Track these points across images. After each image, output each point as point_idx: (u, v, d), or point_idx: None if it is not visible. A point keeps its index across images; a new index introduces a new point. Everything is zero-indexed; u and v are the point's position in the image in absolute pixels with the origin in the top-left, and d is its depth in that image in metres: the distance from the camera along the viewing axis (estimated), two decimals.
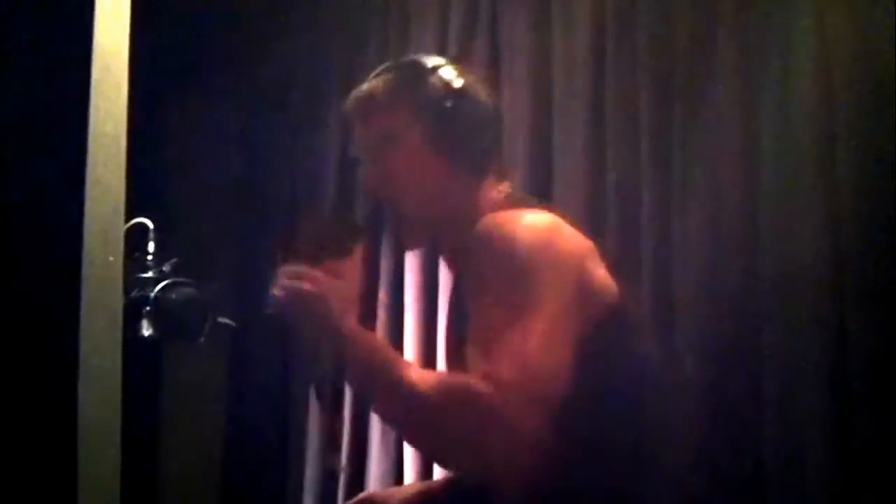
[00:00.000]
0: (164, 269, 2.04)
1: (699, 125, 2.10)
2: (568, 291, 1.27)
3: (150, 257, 2.04)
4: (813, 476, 1.83)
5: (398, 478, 2.57)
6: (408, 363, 1.33)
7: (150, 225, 2.04)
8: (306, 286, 1.28)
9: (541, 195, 2.18)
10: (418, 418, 1.25)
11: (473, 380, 1.18)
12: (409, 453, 2.50)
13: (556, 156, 2.33)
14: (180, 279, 2.00)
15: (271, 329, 3.00)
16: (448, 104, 1.40)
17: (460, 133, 1.40)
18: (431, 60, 1.46)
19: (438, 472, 2.37)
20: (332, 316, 1.27)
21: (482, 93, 1.46)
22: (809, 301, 1.88)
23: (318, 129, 2.99)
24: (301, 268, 1.31)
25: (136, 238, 2.02)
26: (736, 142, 2.05)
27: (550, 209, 1.38)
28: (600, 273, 1.34)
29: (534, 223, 1.31)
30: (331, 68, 2.96)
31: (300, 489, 2.83)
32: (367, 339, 1.32)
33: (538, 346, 1.20)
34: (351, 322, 1.29)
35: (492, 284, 1.27)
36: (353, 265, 1.34)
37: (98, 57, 0.91)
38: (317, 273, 1.30)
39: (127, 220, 1.98)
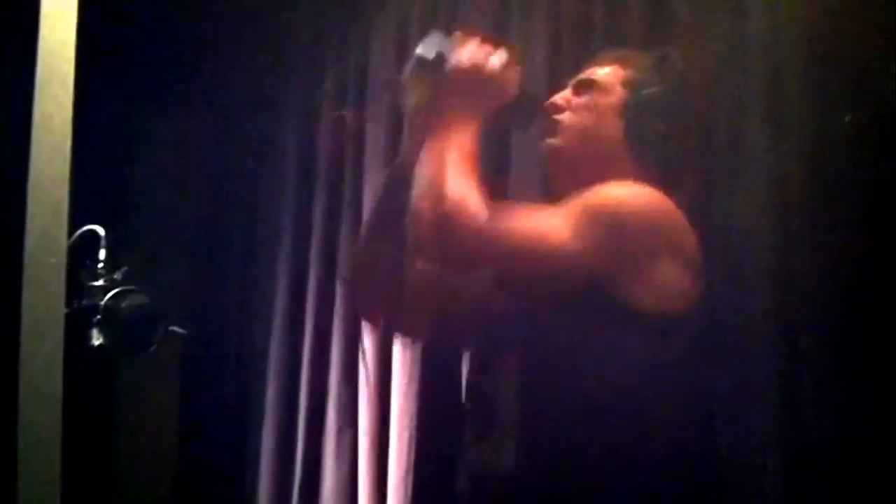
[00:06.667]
0: (114, 277, 2.00)
1: None
2: (606, 249, 1.31)
3: (100, 265, 2.00)
4: (770, 481, 1.84)
5: (353, 487, 2.56)
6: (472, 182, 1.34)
7: (102, 232, 2.00)
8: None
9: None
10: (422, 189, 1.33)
11: (483, 205, 1.29)
12: (363, 463, 2.49)
13: (514, 160, 2.32)
14: (131, 287, 1.97)
15: (227, 338, 2.98)
16: None
17: None
18: None
19: (392, 482, 2.37)
20: (480, 105, 1.39)
21: None
22: (759, 304, 1.88)
23: (277, 141, 2.99)
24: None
25: (86, 246, 1.99)
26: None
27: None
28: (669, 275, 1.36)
29: (655, 195, 1.38)
30: (288, 84, 2.97)
31: (255, 494, 2.81)
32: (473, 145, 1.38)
33: (541, 237, 1.30)
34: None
35: (571, 200, 1.35)
36: None
37: (44, 55, 0.90)
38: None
39: (78, 228, 1.97)
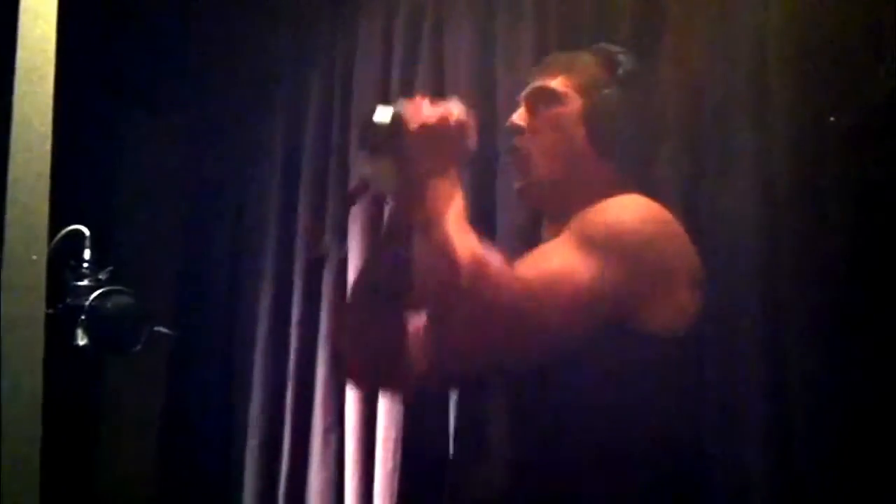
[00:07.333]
0: (100, 277, 2.00)
1: None
2: (627, 283, 1.28)
3: (85, 265, 2.00)
4: (756, 486, 1.84)
5: (339, 488, 2.56)
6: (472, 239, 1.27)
7: (87, 232, 2.00)
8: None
9: (484, 213, 2.20)
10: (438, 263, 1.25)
11: (498, 263, 1.24)
12: (350, 463, 2.49)
13: (499, 175, 2.32)
14: (116, 287, 1.96)
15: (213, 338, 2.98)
16: None
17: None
18: None
19: (378, 483, 2.36)
20: (457, 164, 1.33)
21: None
22: (749, 304, 1.88)
23: (263, 140, 2.99)
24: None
25: (72, 246, 1.98)
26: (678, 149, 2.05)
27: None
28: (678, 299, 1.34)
29: (660, 213, 1.36)
30: (277, 83, 2.96)
31: (240, 495, 2.80)
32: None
33: (553, 284, 1.25)
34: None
35: (579, 229, 1.32)
36: None
37: (23, 52, 0.89)
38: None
39: (63, 228, 1.96)
